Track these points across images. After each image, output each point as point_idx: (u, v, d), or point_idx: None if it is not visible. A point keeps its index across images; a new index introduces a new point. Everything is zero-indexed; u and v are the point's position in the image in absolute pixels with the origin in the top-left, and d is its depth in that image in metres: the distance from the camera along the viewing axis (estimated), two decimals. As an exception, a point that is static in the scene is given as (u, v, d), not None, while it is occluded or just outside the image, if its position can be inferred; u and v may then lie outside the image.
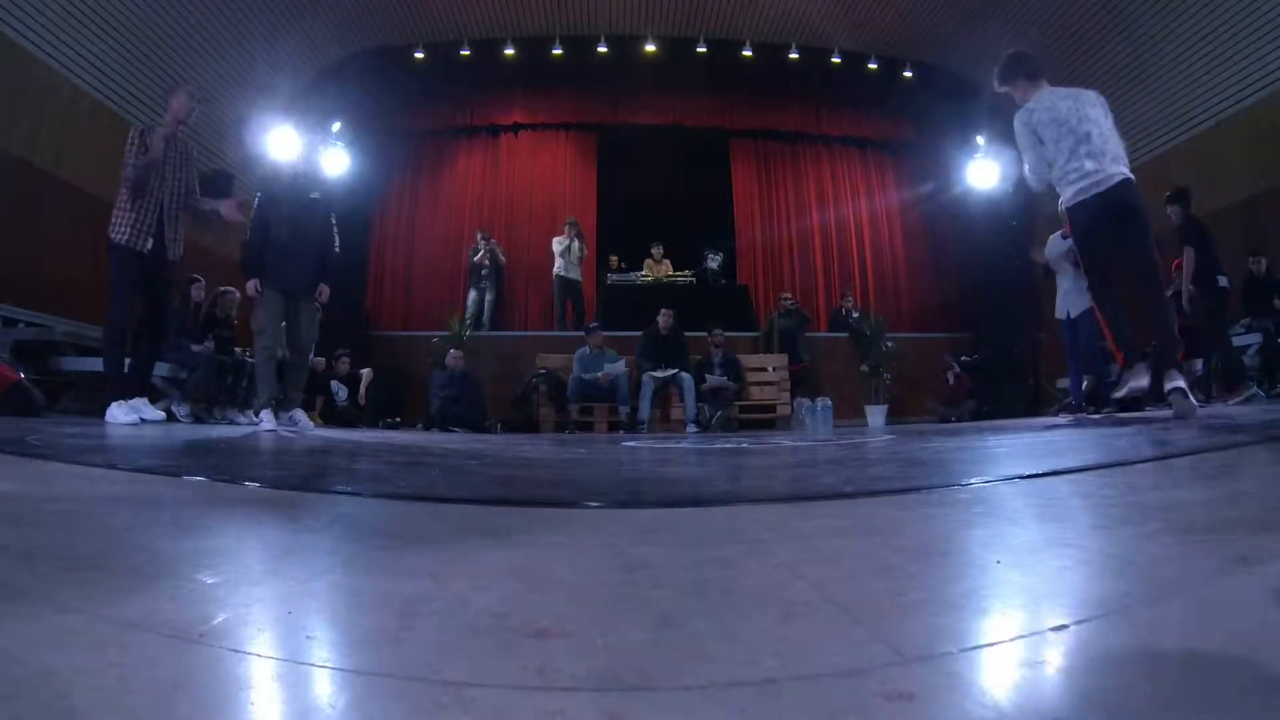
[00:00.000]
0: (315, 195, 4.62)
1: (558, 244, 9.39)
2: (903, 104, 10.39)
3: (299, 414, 4.50)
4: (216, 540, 1.03)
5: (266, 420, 4.28)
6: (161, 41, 6.93)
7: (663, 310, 7.64)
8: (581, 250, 9.45)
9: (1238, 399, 5.19)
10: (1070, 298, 5.33)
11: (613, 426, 7.27)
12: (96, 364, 5.67)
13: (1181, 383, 3.16)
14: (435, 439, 4.92)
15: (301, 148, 4.68)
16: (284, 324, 4.52)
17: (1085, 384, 5.70)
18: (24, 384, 4.45)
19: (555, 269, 9.44)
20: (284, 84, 8.56)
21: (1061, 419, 5.33)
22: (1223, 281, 5.65)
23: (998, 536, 1.03)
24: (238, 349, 5.99)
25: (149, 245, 4.10)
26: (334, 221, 4.73)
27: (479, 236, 9.49)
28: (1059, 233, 5.40)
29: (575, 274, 9.44)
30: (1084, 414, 5.33)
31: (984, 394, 8.38)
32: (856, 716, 0.45)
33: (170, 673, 0.51)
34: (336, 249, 4.72)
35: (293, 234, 4.41)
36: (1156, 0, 7.18)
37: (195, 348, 5.58)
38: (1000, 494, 1.44)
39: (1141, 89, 7.86)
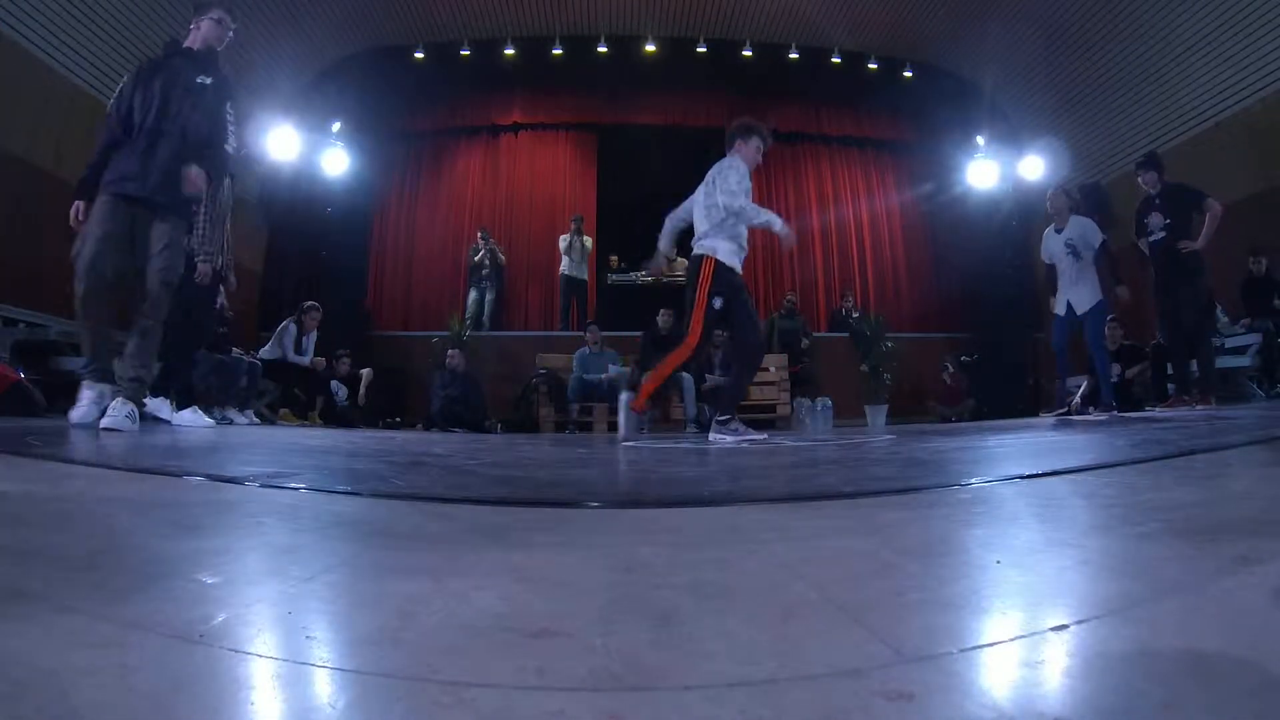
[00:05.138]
0: (204, 80, 3.32)
1: (561, 242, 9.44)
2: (903, 104, 10.39)
3: (159, 403, 3.15)
4: (216, 540, 1.02)
5: (86, 398, 2.99)
6: (162, 41, 6.92)
7: (662, 310, 7.63)
8: (584, 247, 9.47)
9: (1204, 406, 4.84)
10: (1076, 291, 5.13)
11: (613, 427, 7.26)
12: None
13: None
14: (435, 439, 4.92)
15: (203, 30, 3.39)
16: (123, 247, 3.07)
17: (1085, 384, 5.70)
18: (24, 384, 4.45)
19: (561, 268, 9.46)
20: (284, 84, 8.56)
21: (1045, 417, 5.30)
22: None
23: (998, 536, 1.03)
24: (235, 349, 5.98)
25: None
26: (231, 117, 3.42)
27: (479, 236, 9.50)
28: (1052, 227, 5.37)
29: (581, 273, 9.45)
30: (1066, 414, 5.31)
31: (984, 394, 8.38)
32: (856, 716, 0.45)
33: (170, 673, 0.51)
34: (231, 146, 3.43)
35: (155, 125, 3.12)
36: (1156, 0, 7.18)
37: None
38: (1000, 494, 1.44)
39: (1142, 89, 7.86)
